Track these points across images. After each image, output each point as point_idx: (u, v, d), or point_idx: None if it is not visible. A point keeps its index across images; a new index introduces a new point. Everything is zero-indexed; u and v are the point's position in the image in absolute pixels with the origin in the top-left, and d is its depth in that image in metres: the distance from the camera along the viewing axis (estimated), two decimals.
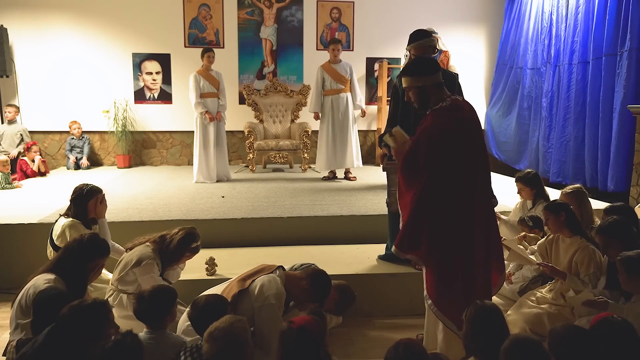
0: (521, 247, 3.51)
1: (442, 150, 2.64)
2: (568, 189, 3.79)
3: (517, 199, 4.38)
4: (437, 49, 5.90)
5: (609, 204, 4.01)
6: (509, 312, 3.31)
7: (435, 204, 2.64)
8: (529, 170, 4.23)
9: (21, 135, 7.12)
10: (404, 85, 2.83)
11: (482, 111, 8.54)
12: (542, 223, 3.88)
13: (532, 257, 3.42)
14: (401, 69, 3.03)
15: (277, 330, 2.61)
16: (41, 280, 2.58)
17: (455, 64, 5.91)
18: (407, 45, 3.83)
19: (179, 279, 3.34)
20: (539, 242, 3.51)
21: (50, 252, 3.44)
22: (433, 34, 5.86)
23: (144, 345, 2.08)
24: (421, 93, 2.75)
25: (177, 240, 3.14)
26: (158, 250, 3.13)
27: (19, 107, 7.27)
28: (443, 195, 2.65)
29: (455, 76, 3.81)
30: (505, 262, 3.82)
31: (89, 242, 2.76)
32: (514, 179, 4.27)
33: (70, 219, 3.37)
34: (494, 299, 3.91)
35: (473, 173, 2.72)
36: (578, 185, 3.89)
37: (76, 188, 3.47)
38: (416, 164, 2.68)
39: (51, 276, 2.61)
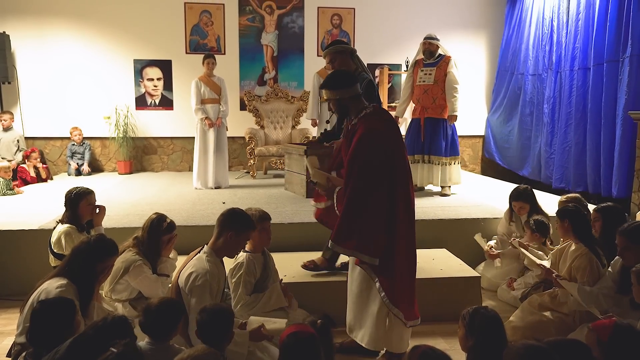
0: (539, 252, 3.58)
1: (383, 150, 2.79)
2: (564, 197, 3.87)
3: None
4: (439, 54, 5.91)
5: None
6: (510, 318, 3.30)
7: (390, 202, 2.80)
8: (525, 185, 4.32)
9: (18, 141, 7.11)
10: (324, 97, 3.02)
11: (484, 117, 8.55)
12: (545, 228, 3.91)
13: (545, 262, 3.44)
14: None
15: (202, 304, 2.53)
16: (54, 285, 2.54)
17: (455, 71, 5.85)
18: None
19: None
20: (552, 250, 3.58)
21: (51, 259, 3.44)
22: (432, 40, 5.89)
23: (145, 356, 2.05)
24: (339, 104, 2.94)
25: (146, 231, 3.20)
26: (139, 251, 3.16)
27: (13, 114, 7.25)
28: (397, 192, 2.81)
29: (363, 78, 3.70)
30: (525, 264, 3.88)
31: (97, 242, 2.76)
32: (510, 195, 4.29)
33: (66, 225, 3.38)
34: (496, 305, 3.92)
35: (407, 168, 2.93)
36: (576, 194, 3.95)
37: (66, 192, 3.48)
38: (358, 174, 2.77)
39: (64, 281, 2.58)
